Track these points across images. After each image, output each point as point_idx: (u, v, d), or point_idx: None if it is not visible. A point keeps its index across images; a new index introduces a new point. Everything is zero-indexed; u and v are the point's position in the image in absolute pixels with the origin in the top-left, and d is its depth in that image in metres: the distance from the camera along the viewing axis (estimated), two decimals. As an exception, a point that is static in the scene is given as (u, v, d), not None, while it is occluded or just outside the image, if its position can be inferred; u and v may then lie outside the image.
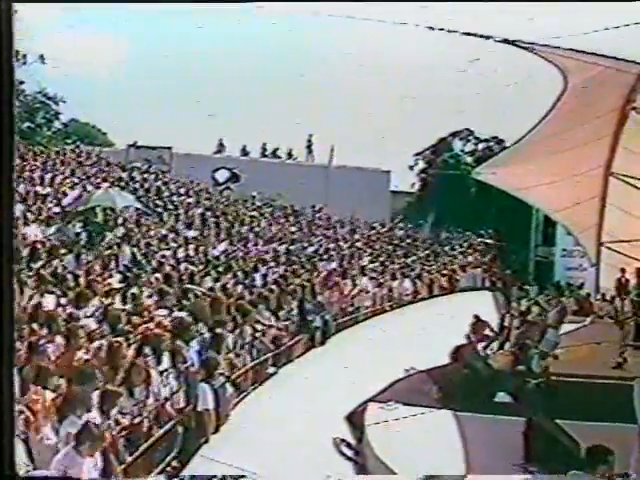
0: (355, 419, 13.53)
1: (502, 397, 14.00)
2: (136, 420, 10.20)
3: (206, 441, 11.10)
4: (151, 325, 11.35)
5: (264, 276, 16.84)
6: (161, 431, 10.55)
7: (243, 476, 10.75)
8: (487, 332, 16.20)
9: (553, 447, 11.96)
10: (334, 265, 18.99)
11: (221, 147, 22.11)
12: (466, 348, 15.50)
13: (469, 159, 21.74)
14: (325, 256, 19.69)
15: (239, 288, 15.83)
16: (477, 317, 16.52)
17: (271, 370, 14.43)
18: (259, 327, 14.29)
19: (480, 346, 15.82)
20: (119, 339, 10.57)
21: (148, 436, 10.48)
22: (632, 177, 16.84)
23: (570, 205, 17.56)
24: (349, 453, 12.74)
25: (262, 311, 14.86)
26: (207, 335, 12.20)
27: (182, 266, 16.15)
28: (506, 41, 12.08)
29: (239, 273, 16.47)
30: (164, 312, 12.67)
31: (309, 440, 12.63)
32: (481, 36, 11.46)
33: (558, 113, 15.66)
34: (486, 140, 21.78)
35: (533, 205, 19.00)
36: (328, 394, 13.90)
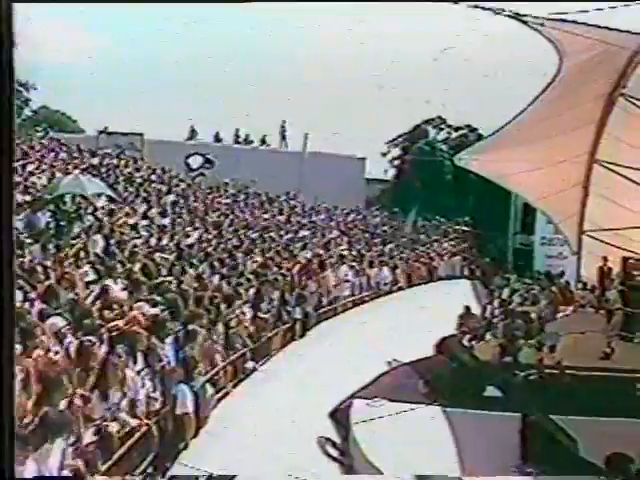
0: (340, 416, 12.42)
1: (492, 391, 12.96)
2: (109, 425, 8.95)
3: (185, 447, 9.87)
4: (121, 323, 10.04)
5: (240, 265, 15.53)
6: (136, 435, 9.31)
7: (234, 476, 9.57)
8: (475, 324, 15.20)
9: (551, 446, 10.92)
10: (310, 254, 17.82)
11: (193, 133, 21.05)
12: (451, 340, 14.47)
13: (444, 147, 20.92)
14: (301, 244, 18.51)
15: (215, 279, 14.51)
16: (467, 308, 15.52)
17: (250, 365, 13.24)
18: (235, 322, 13.02)
19: (466, 337, 14.79)
20: (90, 338, 9.24)
21: (123, 441, 9.24)
22: (617, 164, 15.90)
23: (553, 193, 16.58)
24: (335, 453, 11.63)
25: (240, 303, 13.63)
26: (183, 331, 10.90)
27: (155, 256, 14.75)
28: (516, 15, 11.02)
29: (215, 263, 15.14)
30: (144, 306, 11.29)
31: (292, 439, 11.52)
32: (488, 9, 10.38)
33: (547, 98, 14.65)
34: (459, 128, 21.01)
35: (516, 193, 18.03)
36: (311, 390, 12.79)
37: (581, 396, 12.53)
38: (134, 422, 9.20)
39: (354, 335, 15.03)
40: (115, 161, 20.62)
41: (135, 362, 9.73)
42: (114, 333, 9.79)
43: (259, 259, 16.26)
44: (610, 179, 16.12)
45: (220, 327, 12.73)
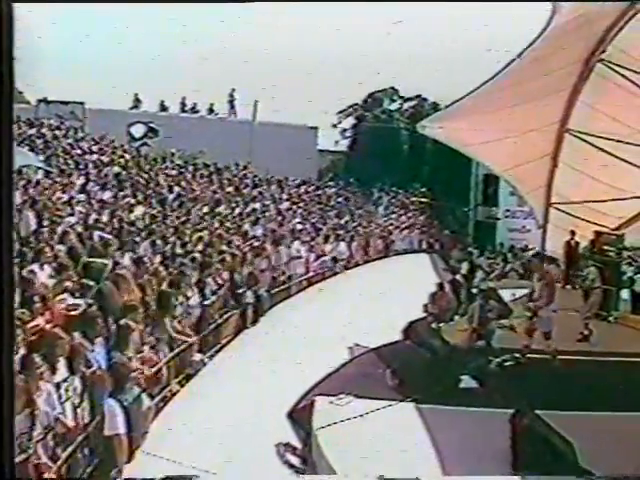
0: (300, 416, 10.23)
1: (468, 382, 10.91)
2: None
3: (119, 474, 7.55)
4: (41, 321, 7.69)
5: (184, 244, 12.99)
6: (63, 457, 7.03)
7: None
8: (447, 304, 13.14)
9: (543, 450, 8.90)
10: (261, 230, 15.47)
11: (137, 102, 18.58)
12: (420, 323, 12.36)
13: (399, 116, 18.91)
14: (253, 218, 16.16)
15: (157, 259, 12.07)
16: (441, 286, 13.44)
17: (198, 358, 10.94)
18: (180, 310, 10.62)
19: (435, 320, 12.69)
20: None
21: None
22: (589, 134, 13.89)
23: (521, 163, 14.53)
24: (295, 461, 9.47)
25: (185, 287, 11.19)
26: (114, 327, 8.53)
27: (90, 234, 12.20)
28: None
29: (158, 241, 12.65)
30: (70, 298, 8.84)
31: (247, 445, 9.34)
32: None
33: (520, 62, 12.55)
34: (410, 99, 19.08)
35: (481, 163, 15.90)
36: (267, 385, 10.59)
37: (564, 385, 10.61)
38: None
39: (311, 319, 12.84)
40: (55, 132, 18.00)
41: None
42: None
43: (206, 236, 13.81)
44: (582, 150, 14.16)
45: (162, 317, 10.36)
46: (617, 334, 12.97)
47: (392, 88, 19.42)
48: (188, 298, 11.05)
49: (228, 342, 11.83)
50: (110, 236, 11.97)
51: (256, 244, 14.24)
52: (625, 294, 14.15)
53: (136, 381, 8.02)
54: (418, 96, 19.13)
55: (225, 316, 11.92)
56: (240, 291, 12.25)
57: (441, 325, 12.89)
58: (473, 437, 9.28)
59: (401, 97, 19.45)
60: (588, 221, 14.65)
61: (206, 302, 11.36)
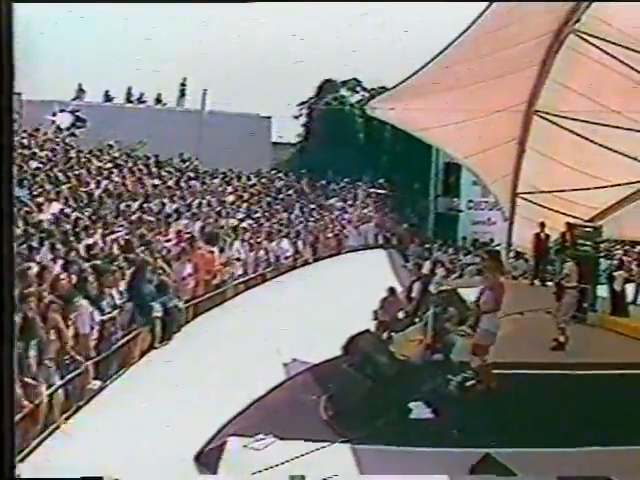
0: (209, 461, 7.71)
1: (420, 411, 8.42)
2: None
3: None
4: None
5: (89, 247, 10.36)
6: None
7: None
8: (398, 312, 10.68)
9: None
10: (198, 225, 12.91)
11: (81, 92, 16.08)
12: (365, 337, 9.83)
13: (356, 104, 16.64)
14: (187, 214, 13.60)
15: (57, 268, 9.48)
16: (392, 290, 11.00)
17: (95, 385, 8.40)
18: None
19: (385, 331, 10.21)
20: None
21: None
22: (560, 116, 11.51)
23: (484, 149, 12.18)
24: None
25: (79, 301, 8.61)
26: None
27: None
28: None
29: (58, 244, 10.06)
30: None
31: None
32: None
33: (477, 32, 10.12)
34: (373, 89, 16.87)
35: (440, 149, 13.48)
36: (171, 421, 8.07)
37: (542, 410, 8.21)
38: None
39: (241, 331, 10.31)
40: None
41: None
42: None
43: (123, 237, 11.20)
44: (552, 133, 11.79)
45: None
46: (596, 339, 10.65)
47: (355, 79, 17.32)
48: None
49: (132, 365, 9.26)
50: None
51: (183, 245, 11.66)
52: (602, 292, 11.90)
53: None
54: (383, 87, 16.98)
55: (132, 334, 9.33)
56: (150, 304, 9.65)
57: (393, 335, 10.40)
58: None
59: (364, 89, 17.34)
60: (559, 212, 12.36)
61: (103, 317, 8.76)
